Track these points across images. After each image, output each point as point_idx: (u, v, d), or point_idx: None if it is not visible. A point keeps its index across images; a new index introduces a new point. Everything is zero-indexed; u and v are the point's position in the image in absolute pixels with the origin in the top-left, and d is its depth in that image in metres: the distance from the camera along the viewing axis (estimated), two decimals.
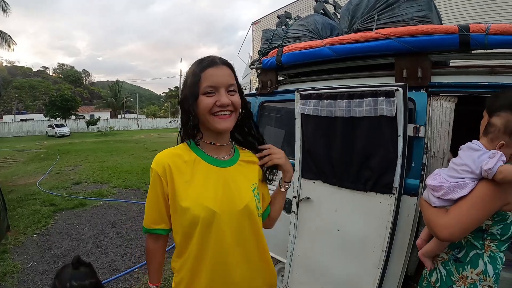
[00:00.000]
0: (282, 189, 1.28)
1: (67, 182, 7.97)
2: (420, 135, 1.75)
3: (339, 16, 3.09)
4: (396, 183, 1.75)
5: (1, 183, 7.14)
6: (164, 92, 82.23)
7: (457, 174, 1.27)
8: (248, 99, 1.22)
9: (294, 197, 2.20)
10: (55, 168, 10.28)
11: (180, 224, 1.07)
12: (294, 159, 2.20)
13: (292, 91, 2.27)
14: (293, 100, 2.21)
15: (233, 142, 1.24)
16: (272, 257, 1.34)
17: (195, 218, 1.02)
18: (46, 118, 37.49)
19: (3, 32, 17.81)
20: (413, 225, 1.75)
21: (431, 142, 1.75)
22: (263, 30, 3.03)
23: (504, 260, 1.28)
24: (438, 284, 1.36)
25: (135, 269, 3.47)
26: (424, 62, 1.79)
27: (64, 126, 33.21)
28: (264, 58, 2.62)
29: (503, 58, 1.78)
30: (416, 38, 1.75)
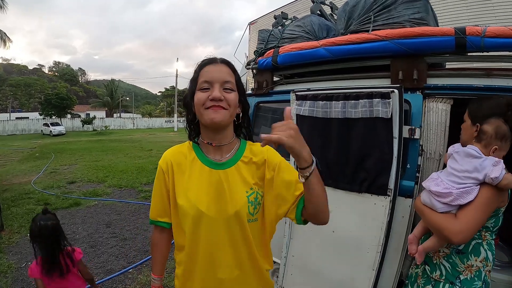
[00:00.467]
0: (301, 179, 0.95)
1: (62, 181, 7.90)
2: (415, 137, 1.75)
3: (335, 17, 3.10)
4: (391, 185, 1.76)
5: None
6: (160, 92, 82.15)
7: (460, 180, 1.36)
8: None
9: None
10: (50, 167, 10.19)
11: (176, 218, 1.13)
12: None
13: (288, 92, 2.27)
14: (288, 101, 2.20)
15: (240, 139, 1.20)
16: None
17: (186, 214, 1.07)
18: (42, 117, 37.05)
19: None
20: (407, 226, 1.76)
21: (426, 144, 1.75)
22: (259, 30, 3.02)
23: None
24: (443, 278, 1.42)
25: (129, 269, 3.44)
26: (420, 64, 1.79)
27: (60, 125, 32.84)
28: (260, 58, 2.61)
29: (499, 60, 1.80)
30: (412, 40, 1.75)
